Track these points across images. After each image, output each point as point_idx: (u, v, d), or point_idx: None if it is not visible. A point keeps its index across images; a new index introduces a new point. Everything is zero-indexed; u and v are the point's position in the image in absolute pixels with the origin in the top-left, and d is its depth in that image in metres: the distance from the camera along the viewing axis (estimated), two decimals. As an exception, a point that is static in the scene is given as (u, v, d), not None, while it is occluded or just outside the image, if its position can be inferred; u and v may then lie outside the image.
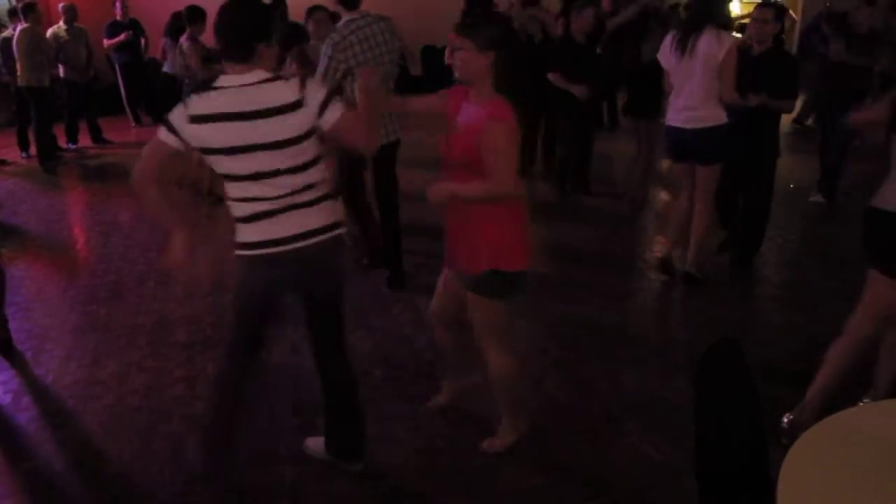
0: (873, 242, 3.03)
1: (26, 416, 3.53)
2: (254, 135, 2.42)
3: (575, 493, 2.88)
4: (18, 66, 8.45)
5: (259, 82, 2.44)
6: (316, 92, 2.50)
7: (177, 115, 2.45)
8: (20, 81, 8.53)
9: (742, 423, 1.85)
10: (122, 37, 10.10)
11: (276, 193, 2.53)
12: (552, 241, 5.83)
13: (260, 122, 2.41)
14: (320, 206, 2.64)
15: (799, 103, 8.59)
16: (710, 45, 4.28)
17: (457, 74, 2.71)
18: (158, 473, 3.06)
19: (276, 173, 2.50)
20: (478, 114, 2.68)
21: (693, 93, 4.41)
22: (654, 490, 2.89)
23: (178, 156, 2.53)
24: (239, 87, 2.42)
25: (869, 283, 3.03)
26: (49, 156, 8.90)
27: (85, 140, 9.87)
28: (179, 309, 4.64)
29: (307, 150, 2.53)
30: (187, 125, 2.43)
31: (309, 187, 2.59)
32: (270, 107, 2.42)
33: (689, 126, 4.48)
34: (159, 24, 10.85)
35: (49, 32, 9.08)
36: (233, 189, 2.56)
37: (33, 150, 8.99)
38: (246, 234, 2.62)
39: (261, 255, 2.62)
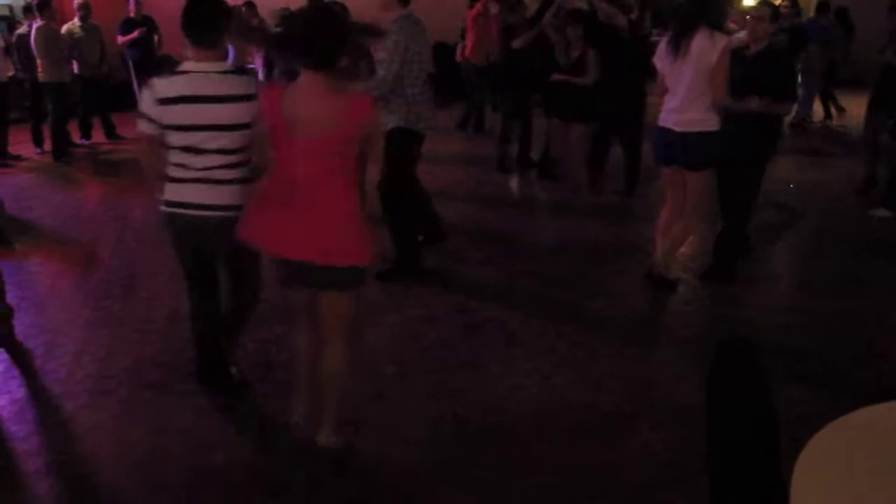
0: None
1: (40, 410, 3.55)
2: (207, 116, 2.96)
3: (585, 492, 2.88)
4: (39, 63, 8.52)
5: (222, 72, 3.01)
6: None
7: (146, 103, 3.01)
8: (42, 78, 8.59)
9: (755, 423, 1.84)
10: (135, 34, 10.14)
11: (202, 165, 3.05)
12: (562, 237, 5.82)
13: (217, 105, 2.97)
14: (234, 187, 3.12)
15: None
16: (702, 47, 4.16)
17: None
18: (171, 468, 3.08)
19: (211, 150, 3.03)
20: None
21: (684, 95, 4.27)
22: (664, 489, 2.88)
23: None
24: (205, 74, 2.98)
25: None
26: (63, 151, 8.96)
27: (98, 136, 9.93)
28: (191, 304, 4.66)
29: (244, 136, 3.03)
30: (156, 107, 2.97)
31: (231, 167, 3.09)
32: (230, 94, 2.98)
33: (678, 129, 4.34)
34: (172, 21, 10.86)
35: (64, 29, 9.14)
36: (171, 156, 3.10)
37: (47, 145, 9.05)
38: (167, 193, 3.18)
39: (170, 213, 3.19)
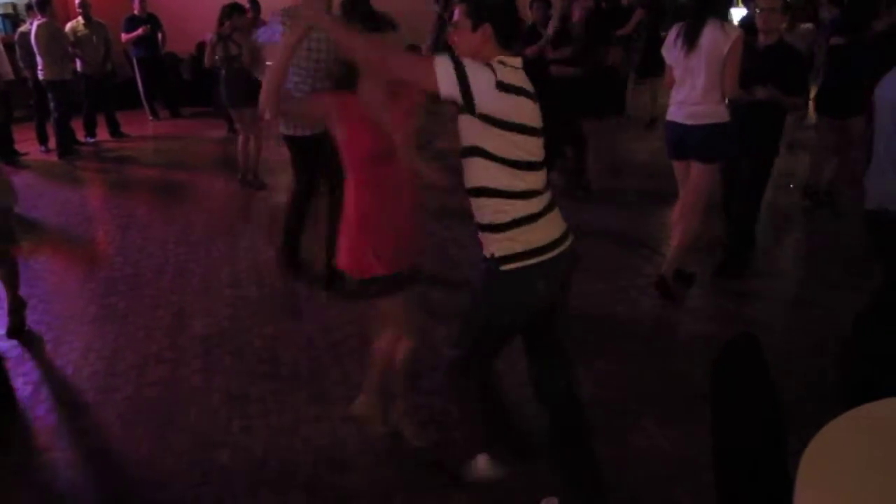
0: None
1: (46, 406, 3.56)
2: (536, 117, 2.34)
3: (590, 487, 2.87)
4: (40, 60, 8.53)
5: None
6: None
7: (482, 76, 2.20)
8: (43, 76, 8.60)
9: (760, 418, 1.84)
10: (139, 31, 10.17)
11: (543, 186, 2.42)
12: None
13: (534, 104, 2.33)
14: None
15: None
16: (714, 38, 4.13)
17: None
18: (175, 465, 3.09)
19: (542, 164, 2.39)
20: None
21: (694, 88, 4.25)
22: (670, 484, 2.88)
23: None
24: (519, 69, 2.34)
25: None
26: (67, 149, 8.98)
27: (103, 134, 9.95)
28: (197, 301, 4.68)
29: None
30: (493, 90, 2.20)
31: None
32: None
33: (689, 122, 4.31)
34: (176, 19, 10.89)
35: (67, 27, 9.16)
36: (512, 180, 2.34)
37: (52, 143, 9.07)
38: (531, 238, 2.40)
39: (538, 263, 2.38)
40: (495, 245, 2.39)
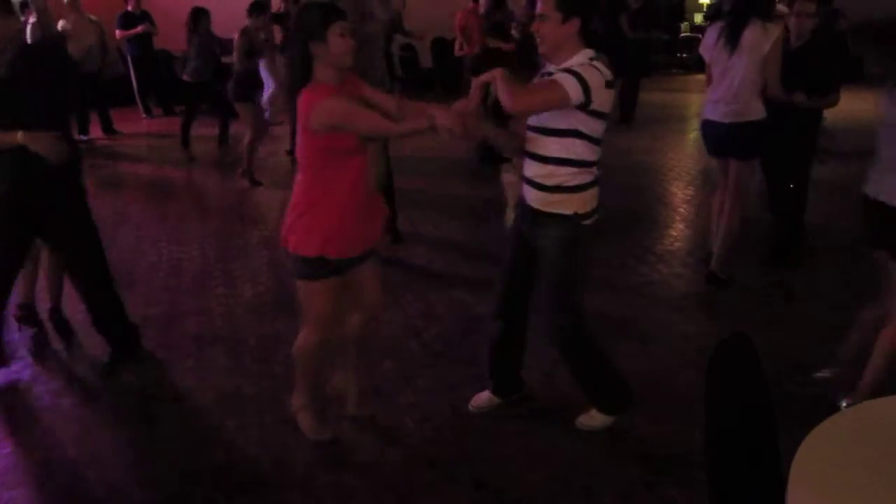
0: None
1: (37, 405, 3.54)
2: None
3: (583, 486, 2.88)
4: None
5: None
6: None
7: (596, 78, 2.65)
8: None
9: (753, 417, 1.84)
10: (138, 29, 10.13)
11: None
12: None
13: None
14: None
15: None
16: (755, 38, 4.20)
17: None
18: (168, 464, 3.08)
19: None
20: None
21: (733, 86, 4.31)
22: (662, 483, 2.88)
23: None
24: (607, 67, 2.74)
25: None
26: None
27: (96, 131, 9.90)
28: (189, 300, 4.66)
29: None
30: (602, 88, 2.68)
31: None
32: None
33: (726, 120, 4.39)
34: (171, 16, 10.83)
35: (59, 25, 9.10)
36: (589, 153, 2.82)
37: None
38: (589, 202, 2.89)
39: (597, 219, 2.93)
40: (576, 204, 2.84)
